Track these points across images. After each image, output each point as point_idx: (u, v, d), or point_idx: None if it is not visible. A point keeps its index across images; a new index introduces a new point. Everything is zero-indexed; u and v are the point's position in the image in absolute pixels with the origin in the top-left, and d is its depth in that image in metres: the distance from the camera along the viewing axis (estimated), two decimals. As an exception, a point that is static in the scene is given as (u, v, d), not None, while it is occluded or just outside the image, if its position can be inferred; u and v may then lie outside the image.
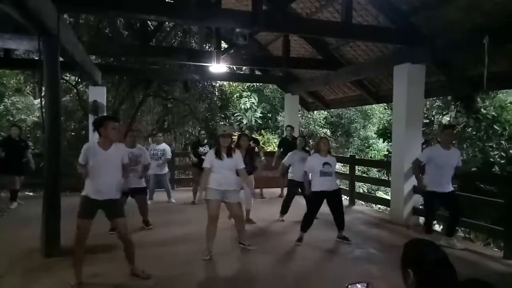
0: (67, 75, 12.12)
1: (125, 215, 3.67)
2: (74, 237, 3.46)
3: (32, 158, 7.24)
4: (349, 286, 1.63)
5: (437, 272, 1.40)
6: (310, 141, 14.22)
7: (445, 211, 5.13)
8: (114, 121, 3.55)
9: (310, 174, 5.02)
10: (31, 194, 9.58)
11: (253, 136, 8.99)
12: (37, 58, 4.58)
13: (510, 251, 4.45)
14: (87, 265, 3.75)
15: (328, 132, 15.46)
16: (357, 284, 1.64)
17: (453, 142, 6.24)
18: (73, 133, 12.67)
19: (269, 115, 15.36)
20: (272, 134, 15.23)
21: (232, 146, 4.54)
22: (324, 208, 4.99)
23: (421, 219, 7.17)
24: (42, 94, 4.54)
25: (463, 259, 4.45)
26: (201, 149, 7.44)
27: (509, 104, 8.73)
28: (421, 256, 1.47)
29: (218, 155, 4.31)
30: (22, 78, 13.41)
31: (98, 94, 8.66)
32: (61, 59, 4.86)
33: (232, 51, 7.18)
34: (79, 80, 12.10)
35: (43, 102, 4.47)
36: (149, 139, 13.25)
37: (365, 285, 1.65)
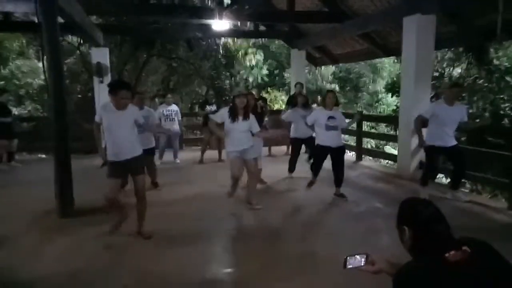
0: (69, 36, 11.91)
1: (144, 173, 3.79)
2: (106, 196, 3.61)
3: (14, 121, 7.63)
4: (348, 257, 1.63)
5: (430, 228, 1.43)
6: (318, 97, 14.04)
7: (450, 165, 5.14)
8: (126, 90, 3.52)
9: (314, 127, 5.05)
10: (44, 156, 9.81)
11: (261, 95, 8.89)
12: (36, 21, 4.48)
13: (515, 203, 4.49)
14: (103, 224, 3.92)
15: (337, 88, 15.20)
16: (356, 256, 1.64)
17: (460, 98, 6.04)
18: (79, 96, 12.67)
19: (276, 71, 15.09)
20: (279, 91, 15.05)
21: (248, 108, 4.53)
22: (329, 163, 5.04)
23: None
24: (45, 58, 4.50)
25: (468, 211, 4.52)
26: (208, 107, 7.50)
27: (523, 54, 8.43)
28: (415, 213, 1.49)
29: (233, 117, 4.34)
30: (24, 41, 13.23)
31: (101, 55, 8.55)
32: (61, 20, 4.76)
33: (235, 6, 6.94)
34: (81, 41, 11.90)
35: (45, 65, 4.45)
36: (156, 99, 13.20)
37: (364, 256, 1.65)
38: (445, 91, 4.85)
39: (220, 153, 7.73)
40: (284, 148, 8.47)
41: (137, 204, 3.83)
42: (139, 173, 3.72)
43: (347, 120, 5.19)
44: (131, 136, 3.64)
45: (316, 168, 5.13)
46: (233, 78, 14.26)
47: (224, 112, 4.43)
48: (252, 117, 4.50)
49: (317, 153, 5.09)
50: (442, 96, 5.13)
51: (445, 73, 9.28)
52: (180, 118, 7.66)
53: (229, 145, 4.44)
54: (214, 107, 7.47)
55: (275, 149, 8.41)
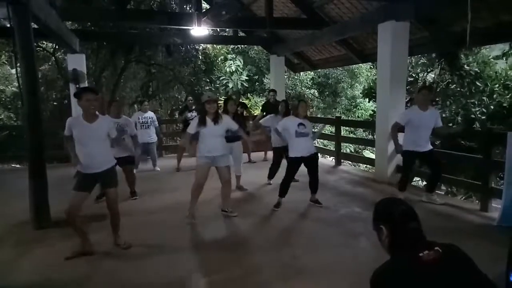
0: (44, 42, 11.65)
1: (117, 186, 3.69)
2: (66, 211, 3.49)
3: None
4: None
5: (405, 223, 1.50)
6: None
7: (426, 169, 5.28)
8: (90, 93, 3.46)
9: (284, 135, 4.96)
10: (17, 166, 9.52)
11: (241, 100, 8.89)
12: (8, 25, 4.36)
13: (486, 204, 4.66)
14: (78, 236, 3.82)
15: (316, 93, 15.39)
16: None
17: (433, 102, 6.17)
18: (55, 103, 12.38)
19: (256, 77, 15.14)
20: (259, 97, 15.10)
21: (219, 111, 4.53)
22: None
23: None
24: (18, 64, 4.39)
25: (443, 213, 4.66)
26: (188, 114, 7.44)
27: (492, 60, 8.77)
28: (389, 210, 1.57)
29: (203, 122, 4.29)
30: (-4, 47, 12.84)
31: (77, 62, 8.37)
32: (35, 25, 4.65)
33: (213, 12, 6.95)
34: (57, 47, 11.65)
35: (19, 73, 4.33)
36: (135, 106, 13.01)
37: None
38: (416, 96, 4.97)
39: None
40: (262, 154, 8.48)
41: (111, 217, 3.76)
42: (111, 186, 3.63)
43: (315, 130, 5.13)
44: (104, 149, 3.55)
45: (284, 186, 4.96)
46: (212, 84, 14.24)
47: (196, 121, 4.38)
48: (226, 117, 4.45)
49: (290, 167, 4.92)
50: (414, 102, 5.23)
51: (419, 78, 9.55)
52: (157, 125, 7.54)
53: (200, 150, 4.38)
54: (195, 113, 7.42)
55: (254, 155, 8.43)
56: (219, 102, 5.00)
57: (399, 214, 1.53)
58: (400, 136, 4.93)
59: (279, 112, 6.16)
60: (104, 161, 3.55)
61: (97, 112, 3.58)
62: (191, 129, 4.37)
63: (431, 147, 4.81)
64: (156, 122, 7.53)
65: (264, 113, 7.74)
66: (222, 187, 4.66)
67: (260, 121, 6.27)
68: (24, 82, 4.31)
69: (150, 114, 7.47)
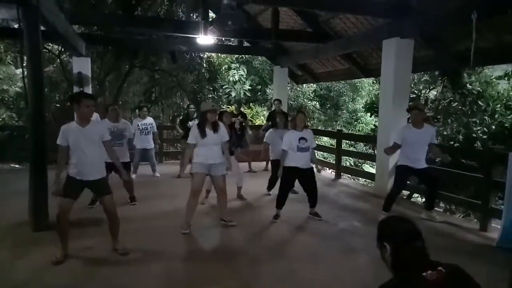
0: (50, 44, 11.73)
1: (111, 192, 3.68)
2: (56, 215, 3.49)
3: None
4: None
5: (409, 242, 1.50)
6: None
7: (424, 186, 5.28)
8: (89, 99, 3.47)
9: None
10: (17, 166, 9.50)
11: (241, 110, 8.92)
12: (17, 26, 4.42)
13: (486, 224, 4.64)
14: (78, 239, 3.83)
15: (317, 105, 15.46)
16: None
17: (435, 119, 6.15)
18: (58, 105, 12.41)
19: (258, 87, 15.23)
20: (261, 106, 15.17)
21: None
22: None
23: (405, 193, 7.39)
24: (24, 65, 4.42)
25: (442, 231, 4.64)
26: (190, 123, 7.44)
27: (494, 80, 8.83)
28: (394, 228, 1.57)
29: (202, 131, 4.30)
30: (2, 47, 12.92)
31: (82, 65, 8.43)
32: (42, 28, 4.70)
33: (220, 21, 7.00)
34: (62, 49, 11.73)
35: (25, 73, 4.36)
36: (136, 111, 13.05)
37: None
38: (410, 114, 5.03)
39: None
40: (263, 164, 8.48)
41: (109, 223, 3.74)
42: (106, 193, 3.61)
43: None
44: (97, 155, 3.53)
45: (281, 198, 4.94)
46: (215, 92, 14.31)
47: (194, 129, 4.38)
48: (222, 127, 4.46)
49: (285, 176, 4.90)
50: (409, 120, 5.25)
51: (422, 95, 9.59)
52: (155, 131, 7.51)
53: (197, 157, 4.36)
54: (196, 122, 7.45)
55: (256, 165, 8.42)
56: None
57: (404, 232, 1.53)
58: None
59: (277, 124, 6.16)
60: (97, 168, 3.53)
61: (94, 116, 3.60)
62: (192, 138, 4.37)
63: (426, 165, 4.81)
64: (155, 127, 7.53)
65: (270, 122, 7.78)
66: (217, 196, 4.64)
67: (264, 139, 6.29)
68: (30, 82, 4.34)
69: (149, 120, 7.46)
